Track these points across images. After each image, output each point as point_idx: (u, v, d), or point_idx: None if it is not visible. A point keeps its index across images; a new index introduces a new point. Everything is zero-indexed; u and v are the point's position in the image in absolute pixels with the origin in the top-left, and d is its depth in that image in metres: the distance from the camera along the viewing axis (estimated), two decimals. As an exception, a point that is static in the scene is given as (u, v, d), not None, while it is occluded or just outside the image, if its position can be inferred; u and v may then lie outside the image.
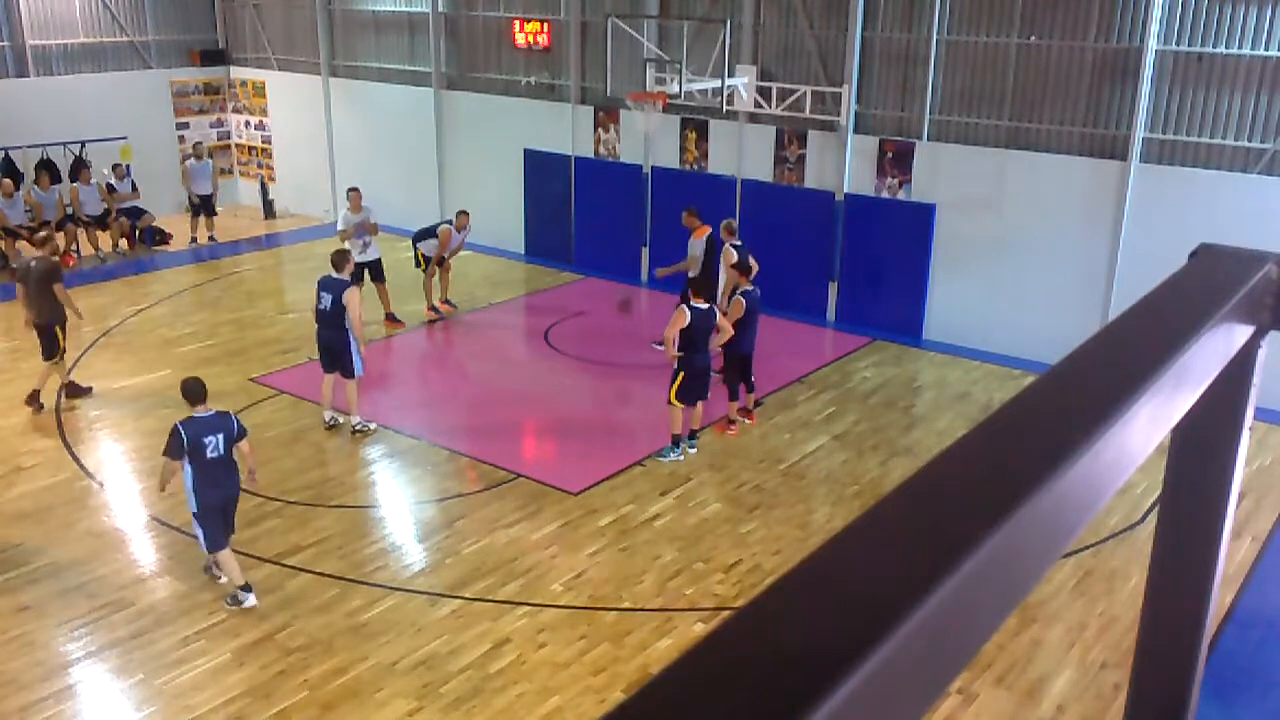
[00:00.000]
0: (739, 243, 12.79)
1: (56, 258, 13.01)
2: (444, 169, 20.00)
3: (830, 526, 9.84)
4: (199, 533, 8.48)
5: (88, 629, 8.19)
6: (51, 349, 12.25)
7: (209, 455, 8.31)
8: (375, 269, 14.87)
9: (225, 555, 8.52)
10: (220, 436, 8.38)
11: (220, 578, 8.73)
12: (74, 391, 12.63)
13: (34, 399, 12.20)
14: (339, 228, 14.85)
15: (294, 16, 21.49)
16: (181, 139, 22.11)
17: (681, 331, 10.70)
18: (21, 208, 18.09)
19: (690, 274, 13.80)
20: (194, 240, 19.90)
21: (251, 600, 8.51)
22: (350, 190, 15.08)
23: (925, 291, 15.08)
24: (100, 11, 20.71)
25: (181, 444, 8.26)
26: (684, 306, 10.79)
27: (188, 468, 8.28)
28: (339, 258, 11.66)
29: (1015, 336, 14.04)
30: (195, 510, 8.40)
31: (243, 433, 8.62)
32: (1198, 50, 12.61)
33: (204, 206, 19.87)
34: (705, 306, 10.84)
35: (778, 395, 12.94)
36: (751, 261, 12.79)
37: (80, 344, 14.32)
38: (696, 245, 13.81)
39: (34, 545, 9.33)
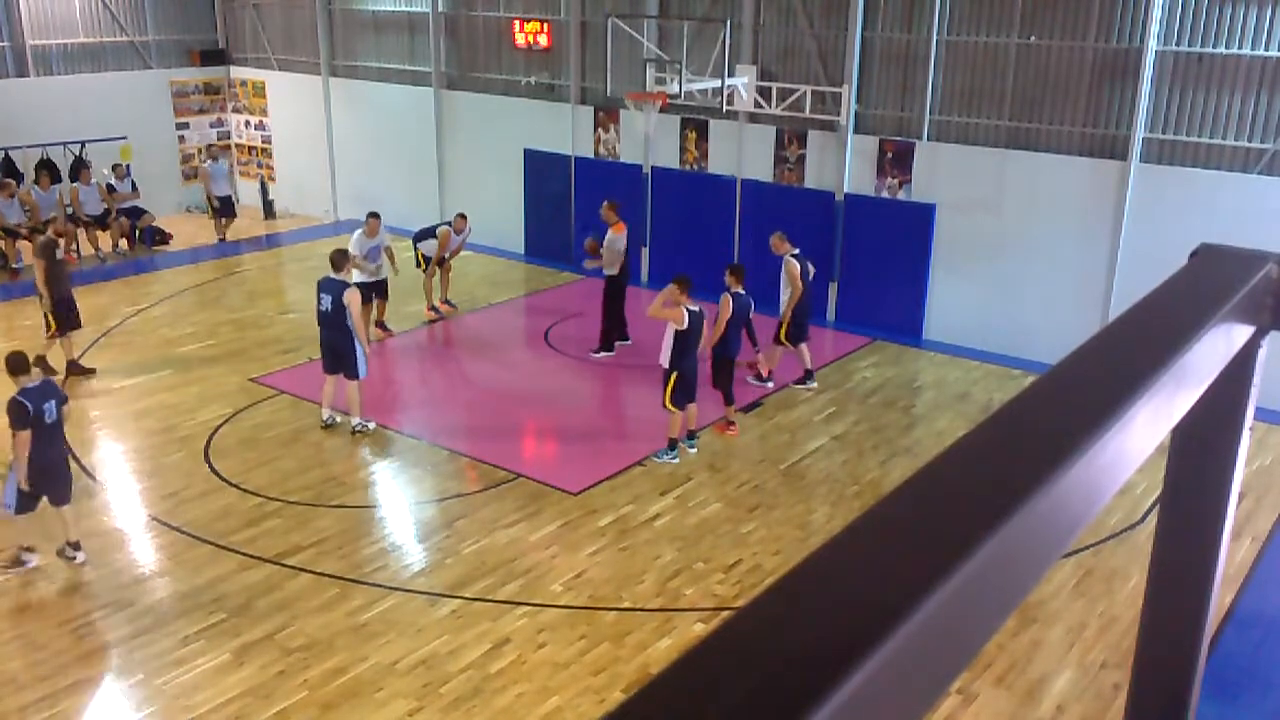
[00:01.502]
0: (796, 251, 12.70)
1: (55, 236, 13.53)
2: (444, 169, 20.00)
3: (830, 526, 9.84)
4: (11, 497, 8.78)
5: (88, 629, 8.19)
6: (53, 322, 13.00)
7: (47, 420, 8.74)
8: (380, 288, 14.36)
9: (28, 519, 8.93)
10: (53, 402, 8.85)
11: None
12: (75, 369, 13.15)
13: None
14: (352, 250, 13.52)
15: (294, 16, 21.48)
16: (182, 139, 22.14)
17: (678, 334, 10.69)
18: (21, 207, 18.08)
19: (607, 272, 13.97)
20: (221, 239, 20.12)
21: (82, 557, 8.99)
22: (370, 215, 14.06)
23: (925, 291, 15.08)
24: (100, 11, 20.71)
25: (28, 414, 8.58)
26: (683, 309, 10.74)
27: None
28: (338, 258, 11.66)
29: (1015, 336, 14.04)
30: (27, 474, 8.70)
31: (66, 398, 9.17)
32: (1198, 50, 12.61)
33: (224, 208, 20.12)
34: (696, 308, 10.80)
35: (778, 395, 12.95)
36: (810, 266, 12.90)
37: (81, 342, 14.33)
38: (619, 240, 13.84)
39: (34, 545, 9.32)
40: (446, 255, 15.45)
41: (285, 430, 11.77)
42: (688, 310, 10.70)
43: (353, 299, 11.32)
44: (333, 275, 11.49)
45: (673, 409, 11.02)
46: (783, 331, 12.74)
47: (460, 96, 19.47)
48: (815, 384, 13.16)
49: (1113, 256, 13.49)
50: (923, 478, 0.87)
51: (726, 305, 11.31)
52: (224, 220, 20.21)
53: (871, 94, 15.15)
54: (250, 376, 13.26)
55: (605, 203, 14.16)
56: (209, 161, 20.59)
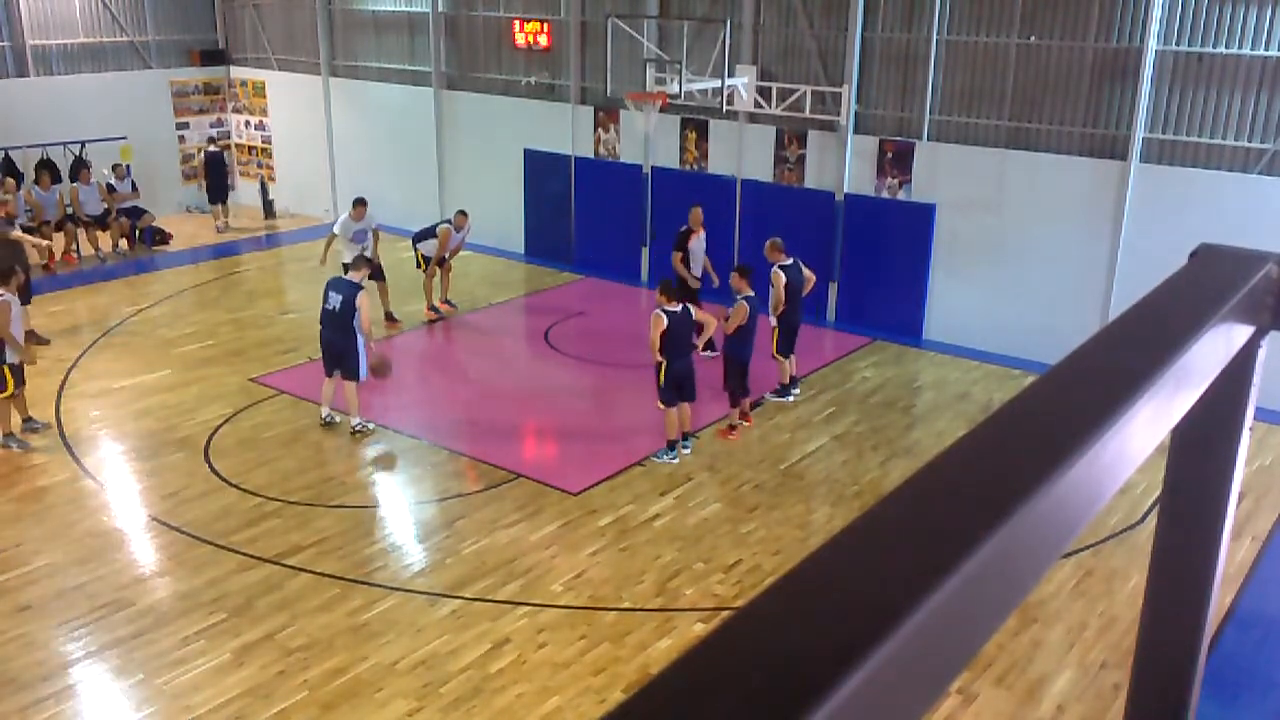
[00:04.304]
0: (788, 262, 12.30)
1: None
2: (444, 169, 20.00)
3: (830, 526, 9.84)
4: None
5: (88, 629, 8.19)
6: None
7: None
8: (374, 268, 14.81)
9: None
10: None
11: None
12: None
13: None
14: (335, 231, 14.70)
15: (294, 16, 21.49)
16: (182, 139, 22.15)
17: (662, 335, 10.64)
18: (22, 206, 18.08)
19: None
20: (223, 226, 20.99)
21: None
22: (357, 201, 14.64)
23: (925, 291, 15.08)
24: (100, 11, 20.71)
25: None
26: (659, 312, 10.62)
27: None
28: (357, 261, 11.84)
29: (1015, 336, 14.04)
30: None
31: None
32: (1198, 50, 12.61)
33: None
34: (679, 308, 10.71)
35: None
36: (808, 273, 12.60)
37: (80, 344, 14.36)
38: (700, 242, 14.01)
39: (34, 545, 9.34)
40: (447, 255, 15.46)
41: (285, 430, 11.78)
42: (666, 312, 10.61)
43: (364, 302, 11.36)
44: (345, 276, 11.57)
45: (662, 406, 11.01)
46: (773, 343, 12.48)
47: (460, 96, 19.47)
48: (798, 392, 12.90)
49: (1113, 256, 13.49)
50: (923, 478, 0.87)
51: (742, 311, 11.26)
52: (219, 207, 20.88)
53: (871, 94, 15.15)
54: (250, 376, 13.26)
55: (695, 207, 14.21)
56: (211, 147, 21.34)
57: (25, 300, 13.71)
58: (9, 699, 7.37)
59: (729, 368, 11.60)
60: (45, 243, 16.44)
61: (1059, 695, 7.62)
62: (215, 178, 20.99)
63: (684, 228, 14.02)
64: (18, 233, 14.86)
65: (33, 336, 13.89)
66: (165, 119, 21.81)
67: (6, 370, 11.07)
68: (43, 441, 11.44)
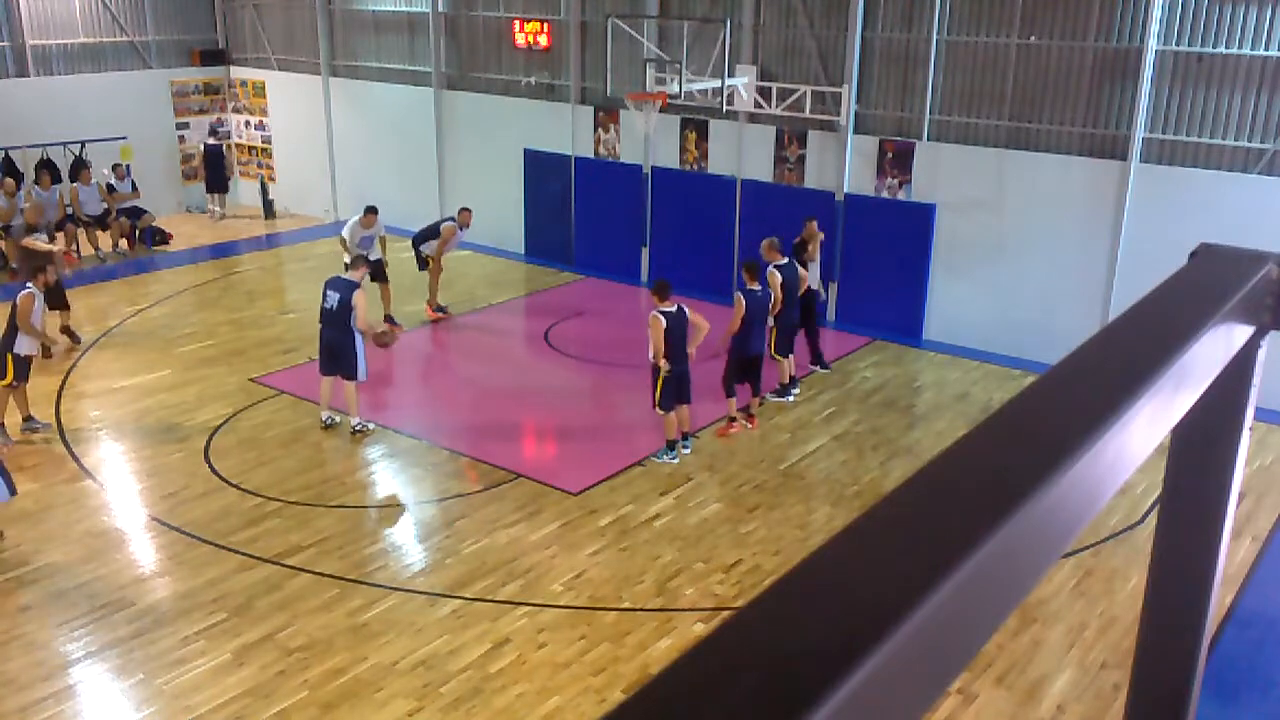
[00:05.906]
0: (784, 261, 12.26)
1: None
2: (444, 169, 20.00)
3: (830, 526, 9.84)
4: None
5: (88, 629, 8.19)
6: None
7: None
8: (377, 270, 14.82)
9: None
10: None
11: None
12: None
13: None
14: (344, 234, 14.63)
15: (294, 16, 21.49)
16: (182, 139, 22.15)
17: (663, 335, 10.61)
18: (21, 207, 18.07)
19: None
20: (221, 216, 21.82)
21: None
22: (369, 210, 14.62)
23: (925, 291, 15.07)
24: (100, 11, 20.71)
25: None
26: (657, 314, 10.60)
27: None
28: (356, 260, 11.82)
29: (1015, 336, 14.04)
30: None
31: None
32: (1198, 50, 12.61)
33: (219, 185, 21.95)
34: (674, 309, 10.67)
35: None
36: (803, 272, 12.58)
37: (82, 344, 14.35)
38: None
39: (34, 545, 9.34)
40: (446, 252, 15.47)
41: (285, 430, 11.77)
42: (662, 313, 10.60)
43: (360, 300, 11.34)
44: (343, 275, 11.57)
45: (661, 412, 10.99)
46: (772, 344, 12.42)
47: (460, 96, 19.47)
48: (798, 392, 12.88)
49: (1113, 256, 13.49)
50: (923, 478, 0.86)
51: (740, 304, 11.25)
52: (215, 197, 21.64)
53: (871, 94, 15.15)
54: (250, 376, 13.26)
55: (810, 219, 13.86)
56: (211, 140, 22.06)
57: (57, 304, 13.90)
58: (9, 699, 7.37)
59: (729, 361, 11.61)
60: (58, 248, 16.58)
61: (1059, 695, 7.62)
62: (213, 170, 21.60)
63: (797, 239, 13.51)
64: (29, 239, 14.85)
65: (68, 333, 14.24)
66: (165, 119, 21.81)
67: (10, 359, 11.12)
68: (43, 441, 11.44)
